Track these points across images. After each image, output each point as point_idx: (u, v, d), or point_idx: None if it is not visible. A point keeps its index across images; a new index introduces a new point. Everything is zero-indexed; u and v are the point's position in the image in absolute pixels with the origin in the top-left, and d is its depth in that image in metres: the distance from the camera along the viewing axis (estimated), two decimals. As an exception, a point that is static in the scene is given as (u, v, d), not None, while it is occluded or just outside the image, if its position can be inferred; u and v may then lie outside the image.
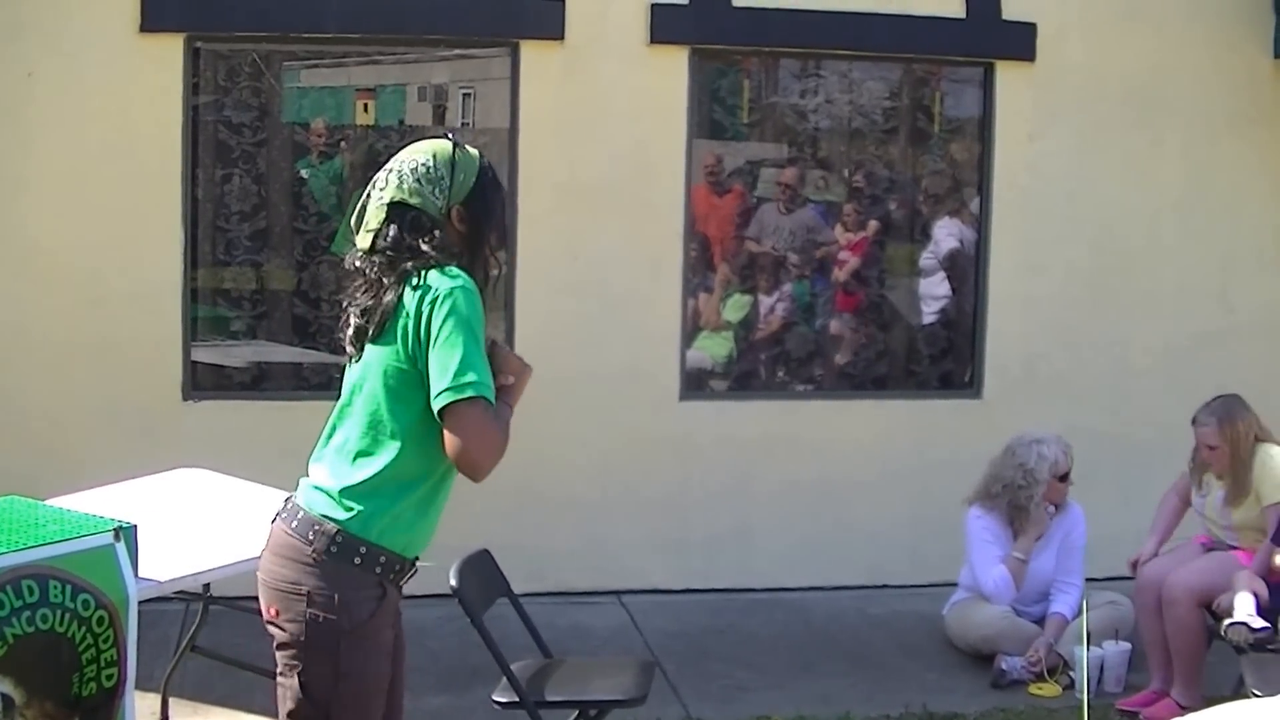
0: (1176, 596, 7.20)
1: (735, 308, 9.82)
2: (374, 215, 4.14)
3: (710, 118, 9.56)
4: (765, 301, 9.82)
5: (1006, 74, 9.30)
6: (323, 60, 9.43)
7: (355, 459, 4.10)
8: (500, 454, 4.05)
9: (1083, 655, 7.19)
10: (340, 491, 4.07)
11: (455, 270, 4.03)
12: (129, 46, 8.46)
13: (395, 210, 4.10)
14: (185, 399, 8.56)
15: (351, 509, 4.05)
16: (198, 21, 8.59)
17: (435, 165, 4.10)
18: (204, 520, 6.10)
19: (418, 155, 4.13)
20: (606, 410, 9.06)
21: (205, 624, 6.66)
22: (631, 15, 8.88)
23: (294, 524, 4.12)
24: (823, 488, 9.29)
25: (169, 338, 8.57)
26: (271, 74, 9.07)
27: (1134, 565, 7.59)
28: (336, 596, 4.03)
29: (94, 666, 4.85)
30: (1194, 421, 7.48)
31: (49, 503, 5.51)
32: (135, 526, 5.08)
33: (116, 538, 4.97)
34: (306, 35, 8.85)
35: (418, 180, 4.09)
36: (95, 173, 8.49)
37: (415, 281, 4.03)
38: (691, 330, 9.61)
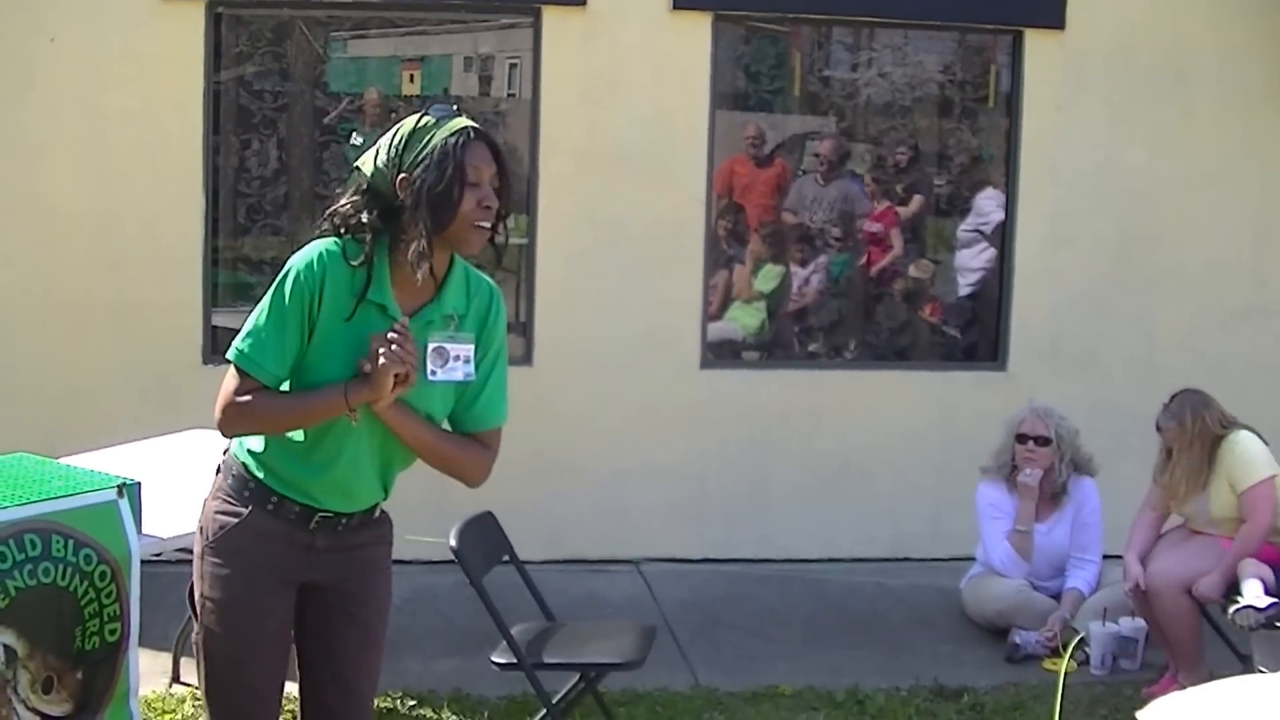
0: (1160, 586, 7.12)
1: (767, 278, 9.77)
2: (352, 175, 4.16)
3: (735, 85, 9.49)
4: (799, 273, 9.77)
5: (1035, 42, 9.20)
6: (369, 30, 9.42)
7: None
8: (229, 413, 4.04)
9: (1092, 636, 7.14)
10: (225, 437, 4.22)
11: (327, 243, 4.01)
12: (151, 12, 8.49)
13: (354, 173, 4.12)
14: (205, 363, 8.57)
15: (238, 441, 4.21)
16: (219, -14, 8.61)
17: (396, 137, 4.02)
18: (210, 481, 6.10)
19: (397, 127, 4.06)
20: (626, 378, 9.04)
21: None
22: (654, -19, 8.83)
23: None
24: (844, 459, 9.25)
25: (189, 302, 8.60)
26: (319, 43, 9.08)
27: (1134, 591, 7.37)
28: (207, 507, 4.23)
29: (96, 621, 4.93)
30: (1157, 427, 7.35)
31: (60, 461, 5.55)
32: (139, 484, 5.18)
33: (120, 494, 5.07)
34: (325, 1, 8.82)
35: (379, 150, 4.05)
36: (116, 138, 8.52)
37: None
38: (722, 300, 9.59)
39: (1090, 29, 9.17)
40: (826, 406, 9.28)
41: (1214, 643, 7.32)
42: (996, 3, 9.15)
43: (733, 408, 9.20)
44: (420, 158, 3.94)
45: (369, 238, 3.98)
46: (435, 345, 4.03)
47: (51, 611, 4.76)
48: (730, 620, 8.20)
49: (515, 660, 5.90)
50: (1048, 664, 7.51)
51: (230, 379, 4.03)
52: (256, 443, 4.15)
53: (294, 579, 4.20)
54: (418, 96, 9.34)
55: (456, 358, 4.04)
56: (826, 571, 9.08)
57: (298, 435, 4.09)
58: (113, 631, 4.98)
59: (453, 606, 7.86)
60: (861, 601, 8.59)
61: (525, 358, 9.03)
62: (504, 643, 5.95)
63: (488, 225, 3.99)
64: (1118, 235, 9.35)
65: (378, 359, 3.89)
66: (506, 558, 6.41)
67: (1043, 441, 7.88)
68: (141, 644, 6.77)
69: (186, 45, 8.53)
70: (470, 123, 4.02)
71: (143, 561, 5.18)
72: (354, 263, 3.97)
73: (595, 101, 8.89)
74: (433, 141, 3.95)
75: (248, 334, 4.00)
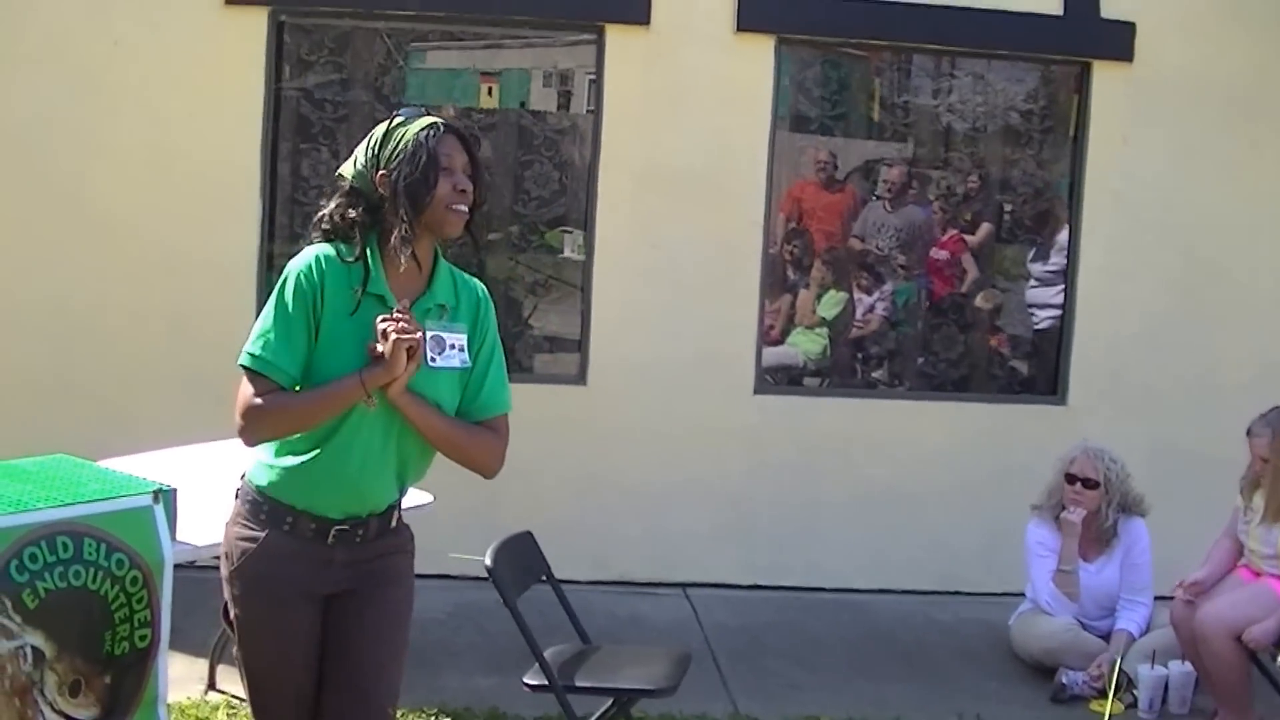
0: (1209, 631, 6.99)
1: (830, 304, 9.71)
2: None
3: (797, 108, 9.43)
4: (864, 300, 9.70)
5: (1103, 74, 9.08)
6: (432, 42, 9.42)
7: None
8: (249, 417, 4.18)
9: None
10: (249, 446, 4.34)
11: (322, 248, 4.21)
12: (214, 18, 8.52)
13: (339, 179, 4.34)
14: (259, 371, 8.54)
15: (253, 462, 4.37)
16: (283, -6, 8.63)
17: (371, 141, 4.28)
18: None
19: (371, 133, 4.31)
20: (679, 400, 8.98)
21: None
22: (719, 2, 8.77)
23: None
24: (897, 489, 9.15)
25: (244, 310, 8.54)
26: (400, 54, 9.08)
27: (1180, 586, 7.30)
28: (228, 533, 4.39)
29: (127, 626, 4.91)
30: (1248, 432, 7.23)
31: (101, 464, 5.55)
32: (175, 490, 5.16)
33: (155, 500, 5.05)
34: (390, 11, 8.83)
35: (362, 154, 4.28)
36: (176, 143, 8.54)
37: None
38: (785, 324, 9.52)
39: (1158, 61, 9.05)
40: (880, 435, 9.19)
41: (1264, 690, 7.19)
42: (1063, 35, 9.01)
43: (785, 433, 9.11)
44: (396, 152, 4.20)
45: (359, 235, 4.22)
46: (433, 333, 4.25)
47: (81, 615, 4.74)
48: (774, 648, 8.12)
49: (547, 682, 5.86)
50: (1094, 705, 7.40)
51: (245, 386, 4.17)
52: (267, 458, 4.28)
53: (318, 593, 4.34)
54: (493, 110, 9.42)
55: (452, 346, 4.27)
56: (875, 602, 8.99)
57: (307, 438, 4.21)
58: (143, 638, 4.95)
59: (496, 623, 7.78)
60: (909, 633, 8.49)
61: (579, 376, 9.00)
62: (537, 664, 5.90)
63: (464, 208, 4.26)
64: (1181, 269, 9.22)
65: (387, 337, 4.06)
66: (545, 578, 6.35)
67: (1091, 484, 7.77)
68: (179, 649, 6.81)
69: (248, 52, 8.56)
70: (438, 119, 4.28)
71: (184, 566, 5.19)
72: (349, 259, 4.19)
73: (656, 120, 8.84)
74: (405, 137, 4.22)
75: (256, 338, 4.16)
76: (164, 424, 7.81)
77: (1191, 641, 7.10)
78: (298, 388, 4.19)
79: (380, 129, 4.28)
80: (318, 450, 4.21)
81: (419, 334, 4.13)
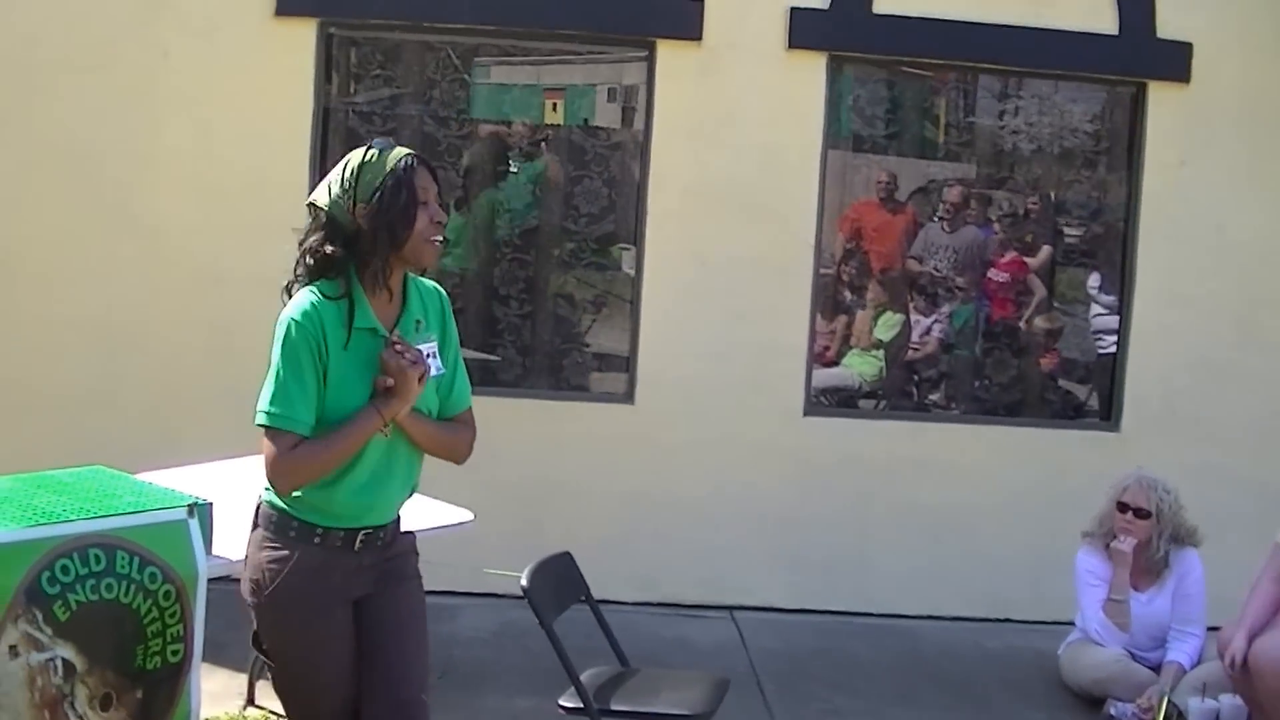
0: (1266, 666, 6.79)
1: (887, 326, 9.64)
2: (307, 212, 4.44)
3: (849, 127, 9.36)
4: (921, 322, 9.62)
5: (1159, 94, 8.96)
6: (514, 58, 9.42)
7: None
8: (282, 473, 4.31)
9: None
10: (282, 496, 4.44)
11: (308, 295, 4.30)
12: (263, 30, 8.51)
13: (309, 209, 4.40)
14: (303, 385, 8.50)
15: (268, 487, 4.45)
16: (332, 6, 8.61)
17: (345, 172, 4.34)
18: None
19: (344, 162, 4.38)
20: (728, 420, 8.89)
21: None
22: (770, 18, 8.70)
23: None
24: (946, 514, 9.03)
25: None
26: (465, 68, 9.07)
27: (1231, 664, 7.01)
28: (254, 560, 4.46)
29: (159, 640, 4.88)
30: None
31: (139, 476, 5.51)
32: (211, 504, 5.12)
33: (190, 514, 5.04)
34: (439, 25, 8.79)
35: (330, 186, 4.35)
36: (224, 155, 8.53)
37: (286, 296, 4.40)
38: (840, 345, 9.44)
39: (1216, 83, 8.91)
40: (931, 459, 9.06)
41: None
42: (1118, 55, 8.90)
43: (835, 456, 9.01)
44: (375, 186, 4.27)
45: (342, 272, 4.33)
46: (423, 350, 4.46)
47: (113, 628, 4.71)
48: (819, 673, 8.01)
49: (582, 705, 5.79)
50: (1143, 737, 7.28)
51: (268, 445, 4.30)
52: None
53: (350, 598, 4.48)
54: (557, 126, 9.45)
55: (430, 355, 4.45)
56: (922, 628, 8.87)
57: None
58: (175, 652, 4.91)
59: (541, 643, 7.59)
60: (956, 661, 8.36)
61: (627, 395, 8.93)
62: (572, 687, 5.83)
63: (440, 239, 4.42)
64: (1238, 296, 9.08)
65: (400, 372, 4.29)
66: (584, 598, 6.29)
67: (1142, 514, 7.64)
68: (219, 664, 6.81)
69: (297, 64, 8.54)
70: (409, 151, 4.39)
71: (225, 580, 5.15)
72: (335, 297, 4.31)
73: (707, 137, 8.77)
74: (383, 170, 4.29)
75: (272, 396, 4.29)
76: (207, 437, 7.73)
77: (1244, 678, 6.94)
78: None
79: (354, 160, 4.34)
80: (331, 478, 4.35)
81: (424, 362, 4.36)
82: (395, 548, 4.58)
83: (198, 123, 8.51)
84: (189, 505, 5.01)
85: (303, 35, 8.53)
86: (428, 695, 4.59)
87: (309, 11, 8.53)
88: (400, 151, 4.36)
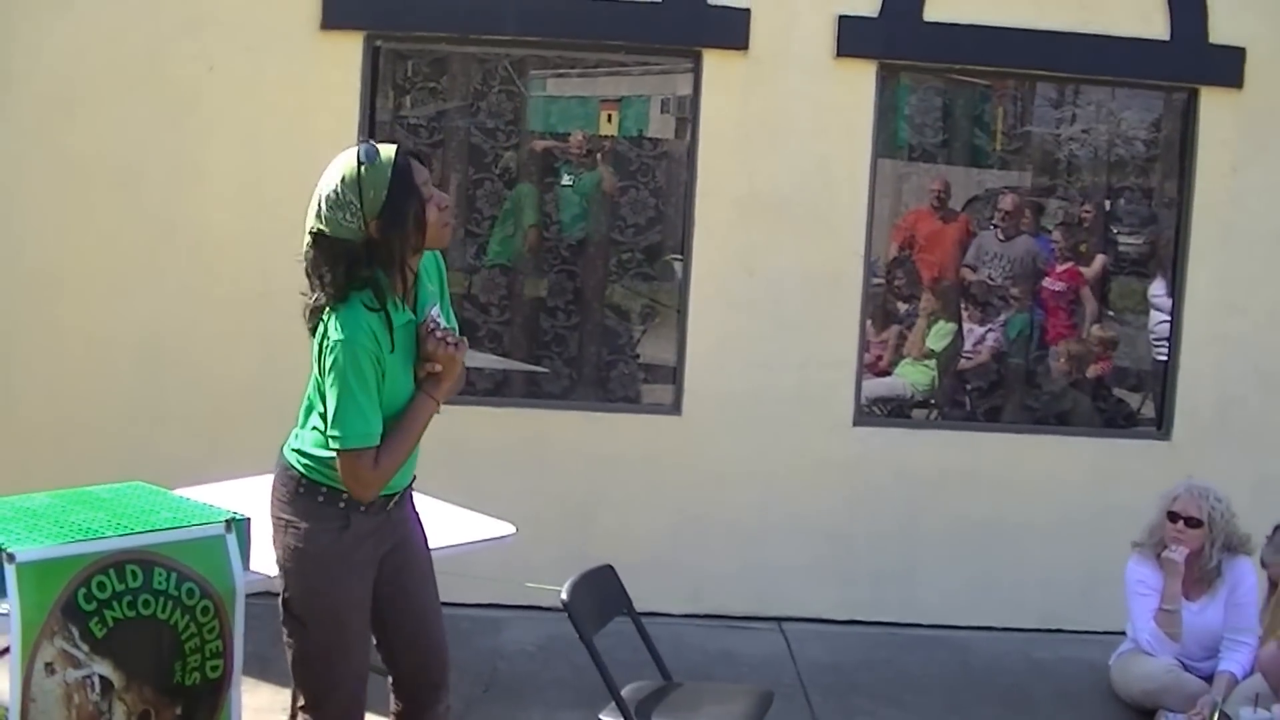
0: None
1: (940, 335, 9.60)
2: (304, 238, 4.54)
3: (899, 135, 9.31)
4: (975, 331, 9.57)
5: (1211, 100, 8.85)
6: (571, 69, 9.43)
7: (304, 425, 4.73)
8: (372, 484, 4.55)
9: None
10: (296, 450, 4.71)
11: (355, 314, 4.43)
12: (309, 43, 8.52)
13: (316, 237, 4.49)
14: (347, 398, 8.50)
15: (305, 463, 4.66)
16: (378, 20, 8.61)
17: (342, 190, 4.41)
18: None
19: (330, 180, 4.45)
20: (777, 432, 8.84)
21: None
22: (818, 27, 8.65)
23: (277, 471, 4.78)
24: (997, 524, 8.96)
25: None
26: (521, 80, 9.07)
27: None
28: (304, 527, 4.64)
29: (198, 656, 4.91)
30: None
31: (180, 491, 5.52)
32: (249, 519, 5.13)
33: (228, 529, 5.05)
34: (485, 37, 8.78)
35: (330, 208, 4.43)
36: (271, 168, 8.52)
37: (324, 319, 4.51)
38: (893, 355, 9.41)
39: (1270, 88, 8.80)
40: (982, 469, 8.99)
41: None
42: (1170, 60, 8.80)
43: (884, 467, 8.95)
44: (382, 198, 4.37)
45: (368, 282, 4.46)
46: (435, 313, 4.68)
47: (150, 644, 4.74)
48: (867, 686, 7.95)
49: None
50: (1196, 748, 7.19)
51: (350, 461, 4.48)
52: (317, 453, 4.62)
53: (379, 554, 4.77)
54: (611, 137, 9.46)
55: (437, 315, 4.66)
56: (973, 639, 8.80)
57: None
58: (214, 668, 4.92)
59: (585, 657, 7.58)
60: (1006, 673, 8.28)
61: (674, 406, 8.90)
62: (613, 701, 5.80)
63: (451, 221, 4.62)
64: (1293, 304, 8.99)
65: (449, 359, 4.60)
66: (625, 611, 6.26)
67: (1194, 523, 7.55)
68: (265, 679, 6.81)
69: (344, 77, 8.55)
70: (395, 149, 4.48)
71: (268, 595, 5.16)
72: (375, 308, 4.46)
73: (754, 148, 8.73)
74: (384, 180, 4.39)
75: (347, 421, 4.43)
76: (254, 451, 7.72)
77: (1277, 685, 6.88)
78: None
79: (348, 174, 4.41)
80: None
81: (462, 340, 4.66)
82: (409, 508, 4.93)
83: (243, 138, 8.53)
84: (226, 520, 5.03)
85: (349, 49, 8.54)
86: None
87: (355, 25, 8.53)
88: (389, 155, 4.44)
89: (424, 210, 4.44)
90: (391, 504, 4.75)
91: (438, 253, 4.80)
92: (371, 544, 4.71)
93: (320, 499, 4.63)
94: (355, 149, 4.49)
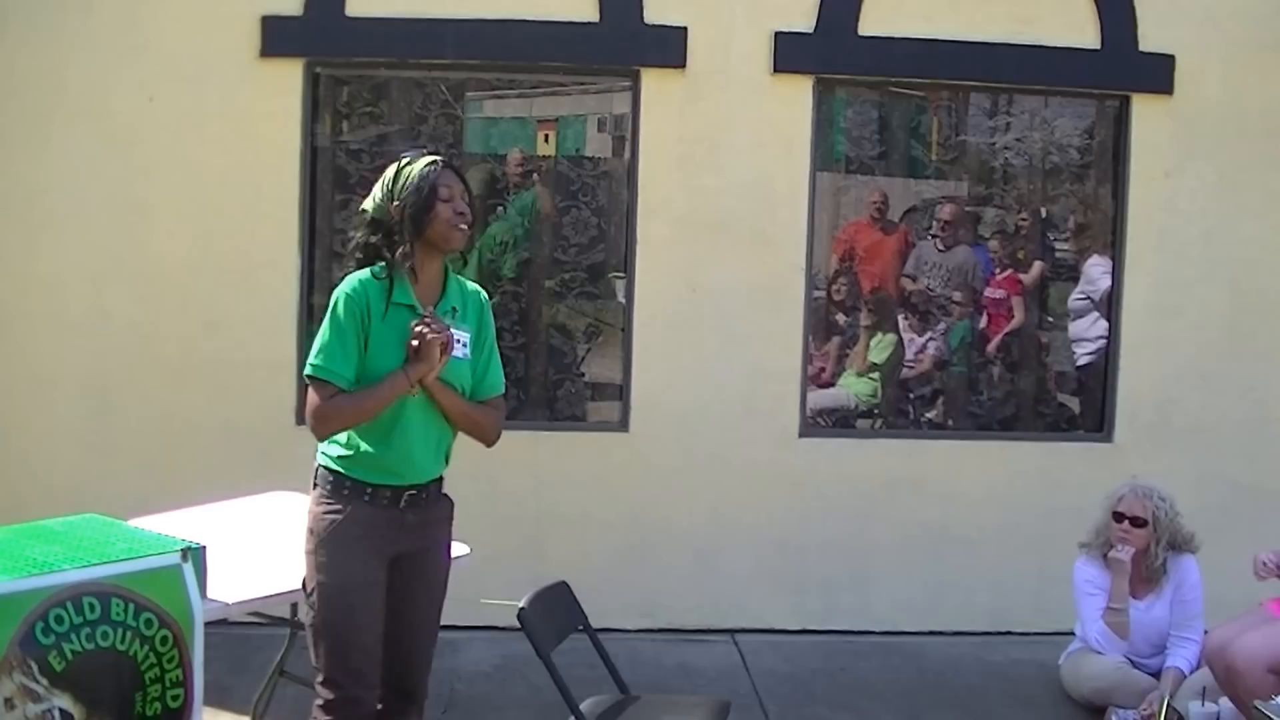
0: (1242, 665, 6.85)
1: (881, 346, 9.66)
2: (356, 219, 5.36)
3: (837, 150, 9.39)
4: (916, 340, 9.65)
5: (1143, 107, 8.98)
6: (510, 90, 9.47)
7: None
8: (323, 419, 5.06)
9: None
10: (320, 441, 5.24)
11: (361, 273, 5.16)
12: (249, 71, 8.54)
13: (360, 215, 5.30)
14: (299, 423, 8.51)
15: (325, 452, 5.20)
16: (317, 47, 8.63)
17: (388, 178, 5.24)
18: (286, 543, 6.03)
19: (387, 172, 5.26)
20: (723, 445, 8.91)
21: (293, 649, 6.59)
22: (755, 43, 8.72)
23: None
24: (945, 530, 9.05)
25: (284, 363, 8.57)
26: (456, 103, 9.10)
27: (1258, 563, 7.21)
28: (314, 511, 5.19)
29: (158, 686, 4.90)
30: None
31: (132, 522, 5.53)
32: (204, 548, 5.15)
33: (184, 558, 5.04)
34: (424, 61, 8.81)
35: (380, 191, 5.24)
36: (214, 196, 8.56)
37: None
38: (835, 366, 9.48)
39: (1199, 94, 8.95)
40: (928, 476, 9.08)
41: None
42: (1101, 68, 8.93)
43: (832, 477, 9.03)
44: (404, 186, 5.16)
45: (383, 256, 5.16)
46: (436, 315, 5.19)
47: (110, 676, 4.73)
48: (823, 694, 8.01)
49: (583, 735, 5.79)
50: (1145, 743, 7.28)
51: (311, 393, 5.07)
52: (341, 449, 5.13)
53: (389, 553, 5.18)
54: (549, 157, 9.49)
55: (459, 341, 5.19)
56: (925, 644, 8.88)
57: (372, 427, 5.10)
58: (175, 697, 4.92)
59: (542, 676, 7.57)
60: (960, 676, 8.37)
61: (622, 423, 8.95)
62: (571, 717, 5.84)
63: (465, 226, 5.21)
64: (1228, 305, 9.10)
65: (423, 338, 5.01)
66: (581, 627, 6.30)
67: (1139, 523, 7.66)
68: (223, 707, 6.84)
69: (284, 104, 8.57)
70: (436, 157, 5.25)
71: (228, 623, 5.20)
72: (381, 278, 5.12)
73: (694, 165, 8.79)
74: (412, 173, 5.19)
75: (317, 352, 5.07)
76: (203, 478, 7.78)
77: (1227, 677, 6.99)
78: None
79: (392, 169, 5.24)
80: (380, 435, 5.10)
81: (447, 333, 5.07)
82: (436, 512, 5.33)
83: (186, 165, 8.53)
84: (182, 550, 5.02)
85: (289, 76, 8.56)
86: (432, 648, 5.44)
87: (295, 52, 8.56)
88: (429, 158, 5.24)
89: (432, 203, 5.12)
90: (403, 501, 5.17)
91: (484, 298, 5.44)
92: (378, 535, 5.13)
93: (328, 485, 5.15)
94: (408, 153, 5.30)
